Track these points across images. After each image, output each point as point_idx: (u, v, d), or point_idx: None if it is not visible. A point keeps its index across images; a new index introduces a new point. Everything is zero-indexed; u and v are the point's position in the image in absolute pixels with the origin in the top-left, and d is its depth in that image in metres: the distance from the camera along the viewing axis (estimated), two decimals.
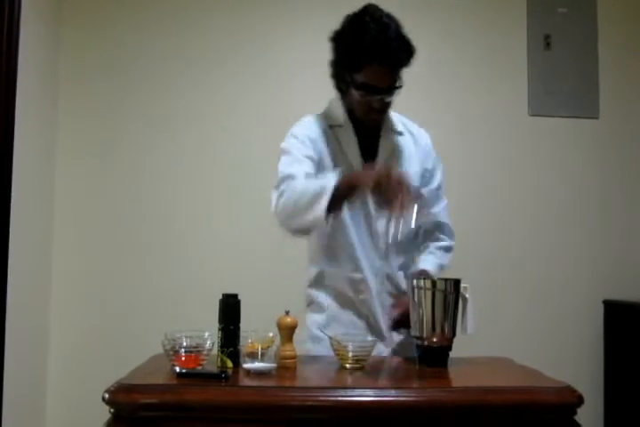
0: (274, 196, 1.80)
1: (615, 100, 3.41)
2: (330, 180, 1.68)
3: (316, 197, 1.67)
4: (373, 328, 1.92)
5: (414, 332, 1.68)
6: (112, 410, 1.34)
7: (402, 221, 1.62)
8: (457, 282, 1.67)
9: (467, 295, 1.71)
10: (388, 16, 1.85)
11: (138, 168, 3.19)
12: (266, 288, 2.99)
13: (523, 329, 3.23)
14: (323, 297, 1.97)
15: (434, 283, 1.64)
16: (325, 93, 3.18)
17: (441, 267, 2.00)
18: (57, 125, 3.15)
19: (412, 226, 1.67)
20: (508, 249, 3.28)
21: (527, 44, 3.38)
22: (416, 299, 1.66)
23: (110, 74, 3.20)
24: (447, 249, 2.06)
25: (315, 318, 1.97)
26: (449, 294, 1.64)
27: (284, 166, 1.86)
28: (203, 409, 1.33)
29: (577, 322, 3.28)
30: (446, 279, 1.65)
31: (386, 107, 1.91)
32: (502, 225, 3.28)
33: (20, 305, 2.69)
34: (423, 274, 1.88)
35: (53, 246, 3.11)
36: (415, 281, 1.66)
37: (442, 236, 2.06)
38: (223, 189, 3.20)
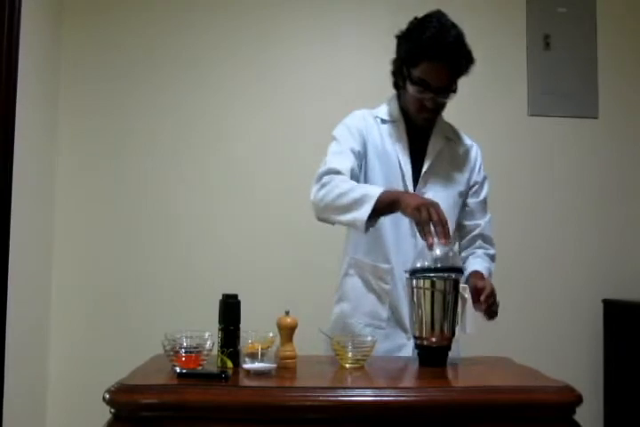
0: (315, 185, 1.85)
1: (614, 100, 3.41)
2: (375, 190, 1.74)
3: (357, 202, 1.73)
4: (397, 319, 1.93)
5: (413, 332, 1.69)
6: (112, 410, 1.34)
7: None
8: (456, 282, 1.67)
9: (466, 295, 1.71)
10: (454, 24, 1.91)
11: (139, 168, 3.20)
12: (266, 289, 3.00)
13: (522, 328, 3.23)
14: (349, 286, 2.00)
15: (433, 283, 1.64)
16: (326, 93, 3.22)
17: (490, 272, 2.00)
18: (57, 126, 3.15)
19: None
20: (507, 249, 3.27)
21: (526, 44, 3.39)
22: (415, 299, 1.66)
23: (111, 74, 3.21)
24: (493, 258, 2.09)
25: (340, 308, 2.01)
26: (448, 294, 1.64)
27: (331, 156, 1.91)
28: (203, 409, 1.33)
29: (576, 321, 3.29)
30: (445, 279, 1.65)
31: (438, 107, 1.95)
32: (501, 225, 3.24)
33: (21, 305, 2.69)
34: (480, 277, 1.88)
35: (54, 247, 3.12)
36: (414, 281, 1.66)
37: (485, 244, 2.08)
38: (224, 190, 3.21)
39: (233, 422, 1.34)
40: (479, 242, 2.07)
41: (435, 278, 1.64)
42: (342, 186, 1.79)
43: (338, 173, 1.84)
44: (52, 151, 3.12)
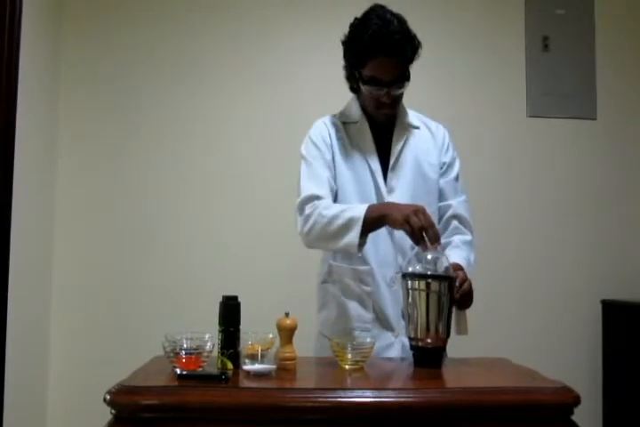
0: (299, 217, 1.88)
1: (613, 102, 3.42)
2: (358, 211, 1.77)
3: (344, 228, 1.77)
4: (382, 320, 1.93)
5: (408, 333, 1.69)
6: (113, 411, 1.34)
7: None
8: (451, 281, 1.68)
9: None
10: (393, 13, 1.90)
11: (139, 169, 3.20)
12: (266, 290, 3.00)
13: (520, 329, 3.24)
14: (331, 293, 2.00)
15: (428, 284, 1.65)
16: (326, 94, 3.21)
17: (469, 262, 1.95)
18: (58, 127, 3.16)
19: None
20: (506, 249, 3.30)
21: (525, 46, 3.39)
22: (410, 300, 1.66)
23: (111, 75, 3.22)
24: (471, 244, 2.02)
25: (322, 316, 2.02)
26: (443, 296, 1.65)
27: (305, 181, 1.93)
28: (203, 411, 1.34)
29: (575, 322, 3.30)
30: (440, 280, 1.66)
31: (395, 101, 1.95)
32: (500, 225, 3.29)
33: (21, 306, 2.70)
34: (458, 268, 1.79)
35: (54, 248, 3.12)
36: (409, 282, 1.66)
37: (460, 226, 2.03)
38: (224, 191, 3.21)
39: (233, 423, 1.34)
40: (454, 223, 2.02)
41: (430, 280, 1.65)
42: (326, 214, 1.82)
43: (318, 198, 1.87)
44: (53, 152, 3.13)
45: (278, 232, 3.16)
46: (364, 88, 1.94)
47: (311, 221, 1.85)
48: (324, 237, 1.83)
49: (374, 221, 1.77)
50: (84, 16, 3.22)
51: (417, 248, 1.70)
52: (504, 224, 3.30)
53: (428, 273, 1.65)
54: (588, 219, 3.38)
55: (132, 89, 3.23)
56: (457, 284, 1.72)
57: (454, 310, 1.73)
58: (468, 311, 1.78)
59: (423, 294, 1.65)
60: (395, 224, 1.72)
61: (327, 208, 1.84)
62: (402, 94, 1.96)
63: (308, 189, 1.91)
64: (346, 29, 1.92)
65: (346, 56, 1.97)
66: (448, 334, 1.68)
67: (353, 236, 1.76)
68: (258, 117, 3.24)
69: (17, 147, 2.64)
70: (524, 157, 3.36)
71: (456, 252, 1.94)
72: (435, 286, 1.64)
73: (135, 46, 3.24)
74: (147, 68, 3.24)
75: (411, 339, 1.68)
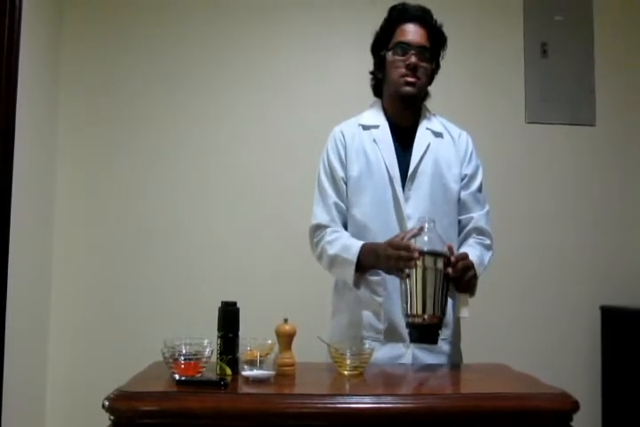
0: (310, 241, 2.01)
1: (611, 108, 3.43)
2: (352, 257, 1.86)
3: (343, 266, 1.89)
4: (393, 331, 1.90)
5: (404, 310, 1.71)
6: (112, 417, 1.34)
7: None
8: (448, 260, 1.69)
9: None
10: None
11: (139, 174, 3.20)
12: (265, 296, 3.00)
13: (520, 335, 3.24)
14: (344, 302, 2.00)
15: (424, 260, 1.66)
16: (326, 101, 3.23)
17: (481, 261, 1.90)
18: (57, 128, 3.16)
19: None
20: (505, 255, 3.27)
21: (524, 52, 3.40)
22: (406, 279, 1.70)
23: (111, 76, 3.23)
24: (488, 247, 1.99)
25: (335, 322, 2.02)
26: (439, 272, 1.66)
27: (315, 206, 2.02)
28: (202, 416, 1.34)
29: (574, 328, 3.29)
30: (436, 257, 1.66)
31: (418, 70, 1.95)
32: (498, 231, 3.25)
33: (20, 311, 2.70)
34: (465, 257, 1.78)
35: (53, 254, 3.12)
36: None
37: (479, 237, 2.00)
38: (224, 197, 3.21)
39: None
40: (474, 235, 2.00)
41: (426, 255, 1.66)
42: (328, 249, 1.92)
43: (325, 227, 1.97)
44: (52, 153, 3.13)
45: (278, 238, 3.16)
46: (390, 59, 1.98)
47: (318, 251, 1.97)
48: (328, 269, 1.98)
49: (369, 267, 1.88)
50: (84, 16, 3.23)
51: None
52: (503, 230, 3.26)
53: (425, 249, 1.67)
54: (586, 225, 3.38)
55: (132, 89, 3.23)
56: (452, 263, 1.73)
57: (456, 293, 1.74)
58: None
59: (419, 271, 1.66)
60: (387, 273, 1.84)
61: (330, 242, 1.93)
62: (427, 70, 1.98)
63: (316, 215, 2.00)
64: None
65: (374, 46, 2.05)
66: (444, 313, 1.69)
67: (349, 279, 1.89)
68: (259, 123, 3.24)
69: (16, 147, 2.64)
70: (523, 163, 3.37)
71: (468, 249, 1.90)
72: (430, 261, 1.66)
73: (135, 47, 3.24)
74: (147, 69, 3.24)
75: (407, 316, 1.70)
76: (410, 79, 1.95)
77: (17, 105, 2.64)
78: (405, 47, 1.95)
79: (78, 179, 3.18)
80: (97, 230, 3.17)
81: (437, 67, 2.04)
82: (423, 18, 1.97)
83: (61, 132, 3.18)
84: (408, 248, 1.70)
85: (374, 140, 1.99)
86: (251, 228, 3.19)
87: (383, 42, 2.02)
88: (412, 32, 1.96)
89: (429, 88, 2.07)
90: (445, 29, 2.04)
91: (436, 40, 1.99)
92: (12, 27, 2.62)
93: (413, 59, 1.94)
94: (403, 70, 1.95)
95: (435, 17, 2.01)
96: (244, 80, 3.27)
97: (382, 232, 1.89)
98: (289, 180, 3.18)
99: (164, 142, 3.23)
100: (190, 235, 3.18)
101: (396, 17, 1.99)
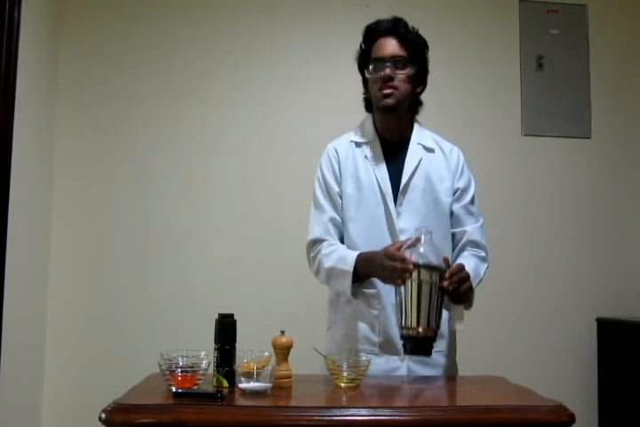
0: (307, 255, 2.03)
1: (607, 120, 3.45)
2: (348, 267, 1.87)
3: (340, 278, 1.90)
4: (388, 344, 1.91)
5: (399, 322, 1.72)
6: None
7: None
8: (442, 273, 1.70)
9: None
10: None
11: (136, 184, 3.20)
12: (262, 308, 3.01)
13: (516, 347, 3.24)
14: (339, 315, 2.01)
15: (419, 273, 1.67)
16: (325, 110, 3.24)
17: (477, 273, 1.91)
18: (56, 128, 3.16)
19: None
20: (501, 268, 3.28)
21: (520, 65, 3.43)
22: (402, 289, 1.69)
23: (110, 76, 3.23)
24: (483, 259, 2.00)
25: (331, 335, 2.03)
26: (434, 285, 1.67)
27: (311, 222, 2.04)
28: None
29: (570, 340, 3.30)
30: (432, 271, 1.67)
31: (398, 81, 1.97)
32: (494, 244, 3.25)
33: (16, 321, 2.69)
34: (461, 268, 1.76)
35: (50, 263, 3.12)
36: None
37: (474, 249, 2.01)
38: (221, 208, 3.21)
39: None
40: (469, 248, 2.01)
41: (421, 268, 1.67)
42: (324, 262, 1.93)
43: (320, 241, 1.98)
44: (51, 154, 3.13)
45: (275, 251, 3.17)
46: (368, 77, 2.01)
47: (315, 266, 1.98)
48: (327, 282, 1.98)
49: (366, 276, 1.89)
50: (83, 16, 3.23)
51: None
52: (498, 242, 3.29)
53: (420, 262, 1.68)
54: (582, 237, 3.39)
55: (132, 90, 3.23)
56: (448, 275, 1.72)
57: (451, 305, 1.76)
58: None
59: (414, 284, 1.67)
60: (384, 282, 1.83)
61: (326, 255, 1.94)
62: (407, 77, 1.98)
63: (313, 230, 2.02)
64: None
65: (358, 66, 2.08)
66: (438, 325, 1.70)
67: (347, 289, 1.89)
68: (257, 132, 3.25)
69: (15, 147, 2.63)
70: (519, 176, 3.38)
71: (464, 261, 1.89)
72: (425, 274, 1.67)
73: (135, 48, 3.25)
74: (146, 70, 3.25)
75: (401, 328, 1.70)
76: (386, 91, 1.97)
77: (15, 104, 2.64)
78: (378, 63, 1.98)
79: (76, 190, 3.17)
80: (94, 243, 3.16)
81: (424, 70, 2.04)
82: (394, 28, 1.99)
83: (60, 133, 3.17)
84: (404, 260, 1.71)
85: (366, 157, 2.02)
86: (248, 241, 3.19)
87: (363, 61, 2.05)
88: (383, 45, 1.99)
89: (423, 96, 2.08)
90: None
91: (413, 45, 2.00)
92: (12, 27, 2.63)
93: (387, 71, 1.96)
94: (379, 85, 1.98)
95: (409, 23, 2.02)
96: (243, 93, 3.28)
97: (376, 248, 1.88)
98: (287, 193, 3.18)
99: (163, 151, 3.22)
100: (188, 247, 3.18)
101: (370, 35, 2.03)
